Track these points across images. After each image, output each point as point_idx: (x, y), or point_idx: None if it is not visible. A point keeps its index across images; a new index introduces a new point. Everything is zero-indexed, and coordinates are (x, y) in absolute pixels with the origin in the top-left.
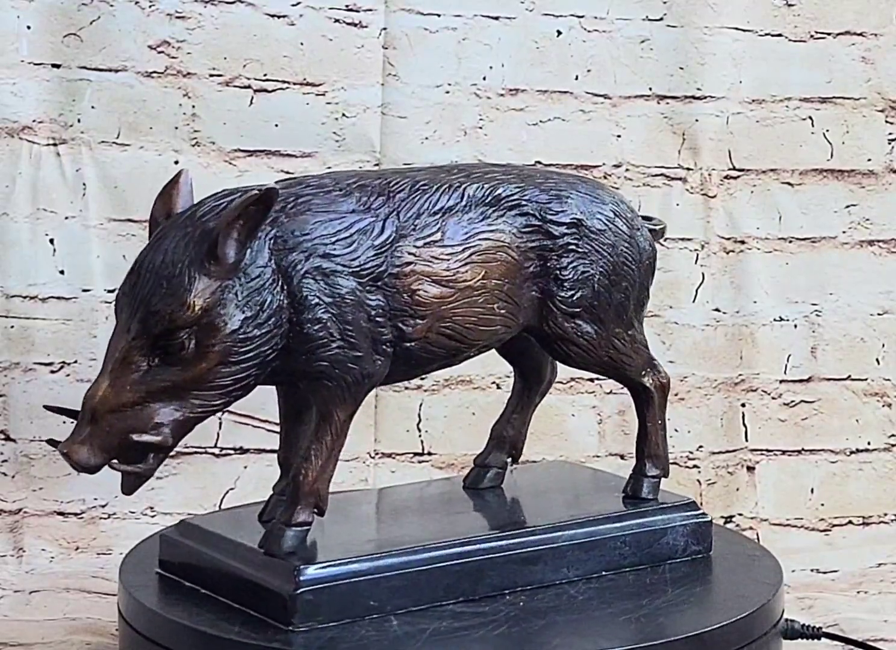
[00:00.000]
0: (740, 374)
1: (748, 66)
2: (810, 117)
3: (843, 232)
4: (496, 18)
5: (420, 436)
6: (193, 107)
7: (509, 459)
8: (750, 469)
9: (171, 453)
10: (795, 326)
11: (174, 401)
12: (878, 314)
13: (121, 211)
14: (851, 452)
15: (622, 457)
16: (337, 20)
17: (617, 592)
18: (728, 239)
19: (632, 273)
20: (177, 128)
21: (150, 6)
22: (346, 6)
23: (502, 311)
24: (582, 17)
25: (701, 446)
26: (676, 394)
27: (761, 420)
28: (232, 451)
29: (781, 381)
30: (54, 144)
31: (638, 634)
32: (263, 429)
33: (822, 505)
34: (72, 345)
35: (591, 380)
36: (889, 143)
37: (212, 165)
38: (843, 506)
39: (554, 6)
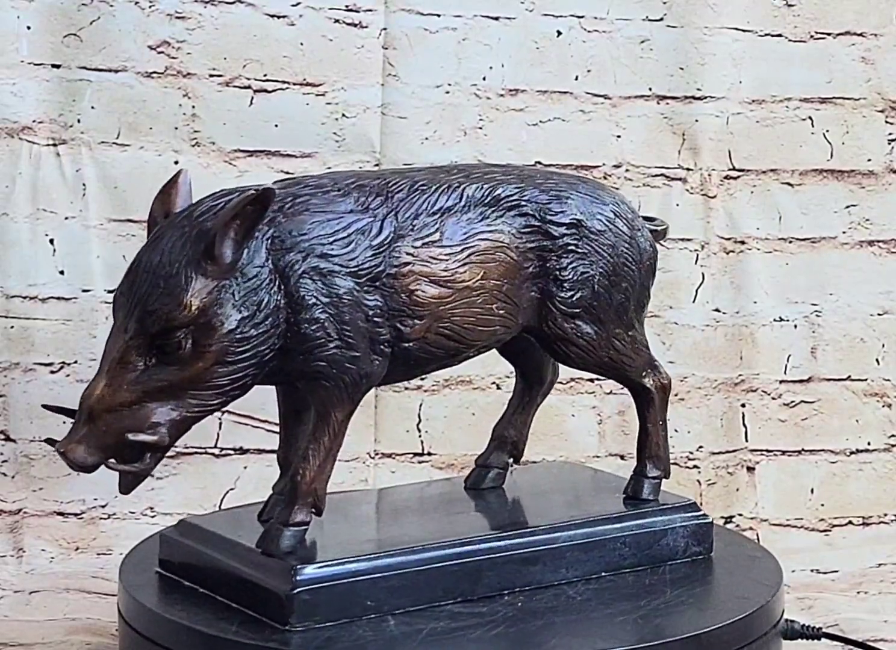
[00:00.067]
0: (740, 375)
1: (748, 67)
2: (810, 117)
3: (843, 232)
4: (496, 19)
5: (420, 436)
6: (193, 107)
7: (511, 460)
8: (750, 469)
9: (171, 453)
10: (795, 326)
11: (171, 401)
12: (878, 314)
13: (121, 211)
14: (851, 452)
15: (622, 457)
16: (337, 20)
17: (616, 593)
18: (728, 239)
19: (632, 274)
20: (177, 128)
21: (150, 6)
22: (346, 6)
23: (501, 312)
24: (582, 17)
25: (701, 446)
26: (676, 395)
27: (761, 420)
28: (232, 451)
29: (781, 382)
30: (54, 144)
31: (636, 635)
32: (263, 430)
33: (822, 505)
34: (72, 346)
35: (591, 380)
36: (889, 143)
37: (212, 165)
38: (843, 507)
39: (554, 6)
